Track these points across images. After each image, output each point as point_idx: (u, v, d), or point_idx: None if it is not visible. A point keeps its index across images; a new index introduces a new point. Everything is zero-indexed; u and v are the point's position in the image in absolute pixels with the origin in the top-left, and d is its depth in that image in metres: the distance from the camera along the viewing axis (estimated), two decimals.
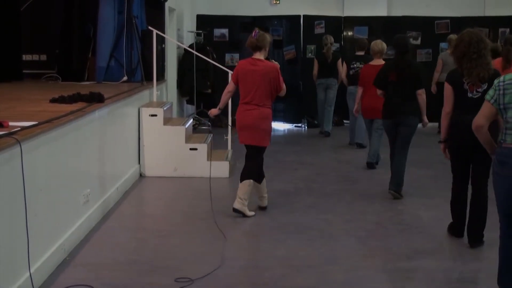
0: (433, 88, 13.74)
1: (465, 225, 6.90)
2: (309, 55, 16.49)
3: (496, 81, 5.23)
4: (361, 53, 12.98)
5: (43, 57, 12.41)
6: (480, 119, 5.33)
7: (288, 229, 7.34)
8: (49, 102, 7.54)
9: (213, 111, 8.15)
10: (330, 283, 5.88)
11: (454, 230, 7.07)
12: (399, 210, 8.32)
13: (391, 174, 8.92)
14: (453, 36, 13.81)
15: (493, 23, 16.35)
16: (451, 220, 7.11)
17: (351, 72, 12.84)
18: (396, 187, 8.82)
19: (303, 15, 16.70)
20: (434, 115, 9.69)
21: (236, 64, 8.48)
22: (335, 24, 16.72)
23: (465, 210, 6.97)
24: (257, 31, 8.03)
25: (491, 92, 5.22)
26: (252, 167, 7.97)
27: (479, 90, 6.59)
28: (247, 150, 8.06)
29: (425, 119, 8.97)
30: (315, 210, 8.29)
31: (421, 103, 8.81)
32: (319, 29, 16.65)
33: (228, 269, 6.16)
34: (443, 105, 6.83)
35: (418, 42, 16.63)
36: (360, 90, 10.85)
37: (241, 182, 7.90)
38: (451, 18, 16.44)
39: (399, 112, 8.74)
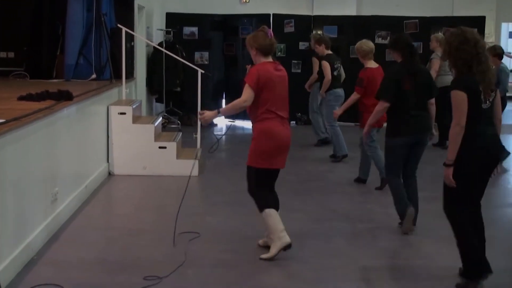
0: None
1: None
2: (279, 54, 16.48)
3: None
4: (329, 51, 12.19)
5: (11, 55, 12.31)
6: None
7: (258, 227, 7.33)
8: (17, 100, 7.47)
9: (210, 115, 6.49)
10: (298, 281, 5.91)
11: (484, 268, 5.74)
12: (368, 208, 8.36)
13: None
14: (439, 35, 13.11)
15: (461, 23, 16.35)
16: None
17: (335, 73, 11.90)
18: (415, 220, 7.45)
19: (273, 14, 16.69)
20: None
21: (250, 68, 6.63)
22: (305, 23, 16.74)
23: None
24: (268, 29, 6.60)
25: None
26: None
27: (490, 99, 5.67)
28: (274, 176, 6.70)
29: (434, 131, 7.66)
30: (285, 208, 8.25)
31: (433, 114, 7.56)
32: (289, 28, 16.67)
33: (197, 267, 6.16)
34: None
35: (387, 41, 16.68)
36: (357, 97, 9.48)
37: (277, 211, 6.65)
38: (420, 18, 16.53)
39: (423, 129, 7.39)
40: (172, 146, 10.19)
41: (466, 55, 5.61)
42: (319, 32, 15.95)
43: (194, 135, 10.97)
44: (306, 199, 8.92)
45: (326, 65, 11.88)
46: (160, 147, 10.16)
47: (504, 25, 21.31)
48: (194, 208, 8.18)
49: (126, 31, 11.02)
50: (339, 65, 12.02)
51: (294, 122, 16.39)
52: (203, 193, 9.36)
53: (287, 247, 6.43)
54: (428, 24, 16.16)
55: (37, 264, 6.11)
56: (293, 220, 7.78)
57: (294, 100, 15.12)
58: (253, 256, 6.54)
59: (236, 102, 6.42)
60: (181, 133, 11.13)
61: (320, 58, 12.20)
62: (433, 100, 7.52)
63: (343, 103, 11.46)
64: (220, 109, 6.62)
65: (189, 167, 9.98)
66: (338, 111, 9.81)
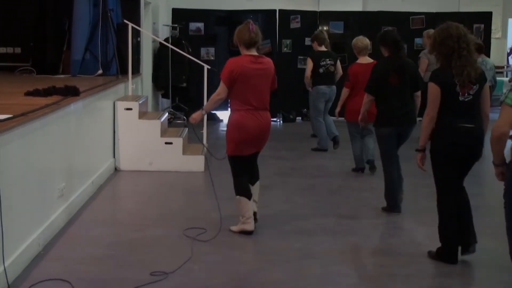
0: None
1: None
2: (285, 49, 16.51)
3: None
4: (323, 48, 12.19)
5: (18, 50, 12.31)
6: (505, 127, 4.84)
7: (264, 223, 7.34)
8: (24, 95, 7.49)
9: (196, 116, 6.94)
10: (306, 277, 5.90)
11: (453, 255, 6.20)
12: (374, 205, 8.34)
13: (397, 192, 7.98)
14: (430, 31, 13.31)
15: (467, 19, 16.42)
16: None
17: (321, 71, 11.94)
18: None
19: (279, 10, 16.71)
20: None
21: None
22: (311, 19, 16.75)
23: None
24: (253, 23, 6.86)
25: (510, 95, 4.79)
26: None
27: (471, 92, 5.87)
28: (248, 162, 7.14)
29: None
30: (291, 205, 8.30)
31: (417, 106, 7.95)
32: (295, 24, 16.68)
33: (203, 263, 6.17)
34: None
35: None
36: (347, 92, 9.89)
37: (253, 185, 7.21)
38: (426, 14, 16.52)
39: (407, 121, 7.80)
40: (178, 142, 10.20)
41: (448, 50, 5.88)
42: (325, 28, 15.98)
43: (200, 131, 10.97)
44: (311, 195, 8.92)
45: (308, 62, 12.14)
46: (166, 143, 10.17)
47: (510, 21, 21.21)
48: (200, 204, 8.18)
49: (132, 27, 11.04)
50: (328, 62, 11.97)
51: (300, 118, 16.44)
52: (208, 189, 9.36)
53: (248, 232, 6.99)
54: (435, 20, 16.05)
55: (44, 259, 6.12)
56: (299, 216, 7.80)
57: (300, 96, 15.37)
58: (260, 252, 6.54)
59: (212, 96, 6.88)
60: (187, 129, 11.14)
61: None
62: (419, 93, 7.90)
63: (328, 99, 12.08)
64: (203, 107, 7.09)
65: (195, 162, 10.05)
66: (337, 108, 10.17)
